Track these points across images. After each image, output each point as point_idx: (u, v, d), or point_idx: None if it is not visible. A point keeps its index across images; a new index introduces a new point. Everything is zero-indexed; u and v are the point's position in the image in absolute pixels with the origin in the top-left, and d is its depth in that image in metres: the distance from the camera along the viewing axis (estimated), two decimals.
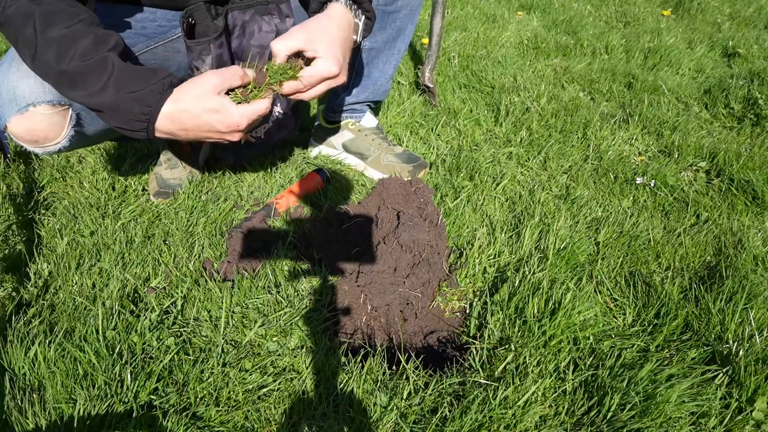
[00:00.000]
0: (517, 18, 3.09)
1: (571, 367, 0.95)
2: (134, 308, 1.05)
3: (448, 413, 0.87)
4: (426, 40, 2.33)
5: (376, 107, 1.86)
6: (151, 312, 1.01)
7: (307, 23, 0.93)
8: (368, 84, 1.50)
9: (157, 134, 0.87)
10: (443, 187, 1.45)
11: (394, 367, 0.96)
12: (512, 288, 1.08)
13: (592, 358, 0.97)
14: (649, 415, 0.86)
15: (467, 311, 1.12)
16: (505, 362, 0.94)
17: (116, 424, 0.84)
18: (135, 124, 0.84)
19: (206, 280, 1.09)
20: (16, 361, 0.91)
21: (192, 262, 1.16)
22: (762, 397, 0.90)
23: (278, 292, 1.07)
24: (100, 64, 0.81)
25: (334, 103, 1.56)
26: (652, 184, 1.52)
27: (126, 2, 1.06)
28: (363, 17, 1.01)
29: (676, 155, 1.70)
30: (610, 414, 0.87)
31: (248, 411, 0.87)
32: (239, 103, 0.87)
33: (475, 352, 0.98)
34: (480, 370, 0.95)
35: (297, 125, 1.41)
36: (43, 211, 1.33)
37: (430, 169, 1.58)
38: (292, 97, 0.94)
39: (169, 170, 1.44)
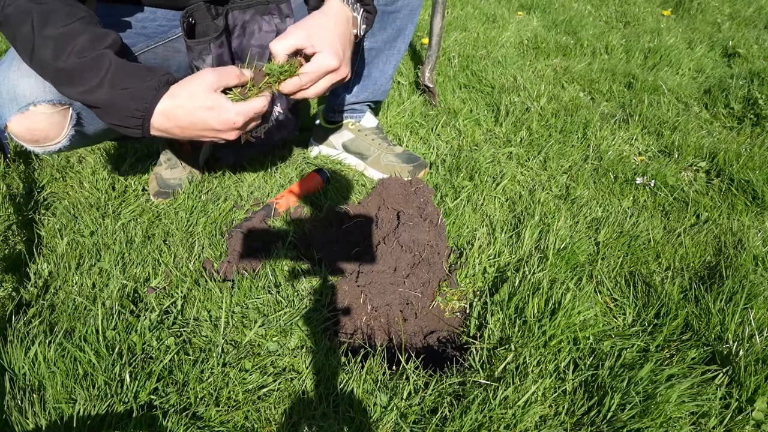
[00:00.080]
0: (517, 18, 3.09)
1: (571, 367, 0.95)
2: (134, 308, 1.05)
3: (448, 413, 0.87)
4: (426, 40, 2.33)
5: (376, 107, 1.86)
6: (151, 312, 1.01)
7: (305, 21, 0.93)
8: (368, 84, 1.50)
9: (153, 132, 0.87)
10: (443, 187, 1.45)
11: (394, 367, 0.96)
12: (512, 288, 1.08)
13: (592, 358, 0.97)
14: (649, 415, 0.86)
15: (467, 311, 1.12)
16: (505, 362, 0.94)
17: (116, 424, 0.84)
18: (130, 121, 0.84)
19: (206, 280, 1.09)
20: (16, 361, 0.91)
21: (192, 262, 1.16)
22: (762, 397, 0.90)
23: (278, 292, 1.07)
24: (97, 60, 0.81)
25: (334, 103, 1.56)
26: (652, 184, 1.52)
27: (126, 2, 1.06)
28: (362, 10, 1.01)
29: (676, 155, 1.70)
30: (610, 414, 0.87)
31: (248, 411, 0.87)
32: (237, 102, 0.87)
33: (475, 352, 0.98)
34: (480, 370, 0.95)
35: (297, 125, 1.41)
36: (43, 211, 1.33)
37: (430, 169, 1.58)
38: (296, 95, 0.94)
39: (169, 170, 1.44)
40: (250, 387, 0.90)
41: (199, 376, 0.91)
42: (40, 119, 0.90)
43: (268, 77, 0.89)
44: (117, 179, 1.47)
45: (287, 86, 0.91)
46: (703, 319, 1.06)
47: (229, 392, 0.89)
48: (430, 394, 0.90)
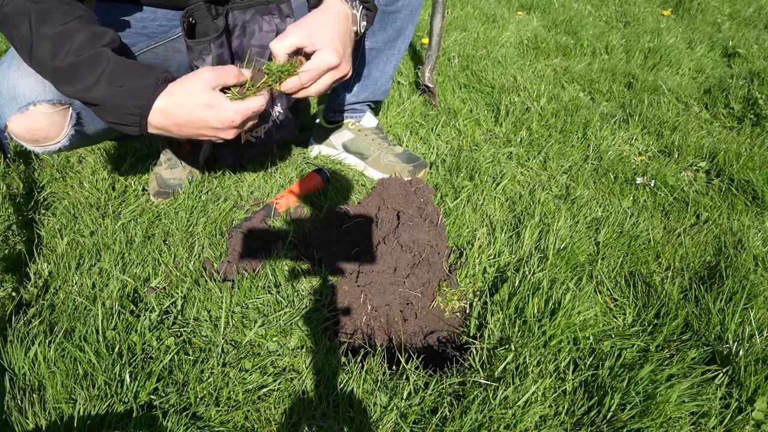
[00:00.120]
0: (517, 18, 3.09)
1: (571, 367, 0.95)
2: (134, 308, 1.05)
3: (448, 413, 0.87)
4: (426, 40, 2.33)
5: (376, 107, 1.86)
6: (151, 312, 1.01)
7: (304, 19, 0.93)
8: (368, 84, 1.50)
9: (151, 129, 0.87)
10: (443, 187, 1.45)
11: (394, 367, 0.96)
12: (512, 288, 1.08)
13: (592, 358, 0.97)
14: (649, 415, 0.86)
15: (467, 311, 1.12)
16: (505, 362, 0.94)
17: (116, 424, 0.84)
18: (128, 118, 0.84)
19: (206, 280, 1.09)
20: (16, 361, 0.91)
21: (192, 262, 1.16)
22: (762, 397, 0.90)
23: (278, 292, 1.07)
24: (95, 58, 0.81)
25: (334, 102, 1.56)
26: (652, 184, 1.52)
27: (126, 1, 1.06)
28: (361, 8, 1.01)
29: (676, 155, 1.70)
30: (610, 414, 0.87)
31: (248, 411, 0.87)
32: (235, 100, 0.87)
33: (475, 352, 0.98)
34: (480, 370, 0.95)
35: (297, 125, 1.41)
36: (43, 211, 1.33)
37: (430, 169, 1.58)
38: (297, 94, 0.94)
39: (169, 170, 1.44)
40: (250, 387, 0.90)
41: (199, 376, 0.91)
42: (40, 119, 0.90)
43: (267, 77, 0.89)
44: (117, 179, 1.47)
45: (287, 85, 0.91)
46: (703, 319, 1.06)
47: (229, 392, 0.89)
48: (430, 394, 0.90)
